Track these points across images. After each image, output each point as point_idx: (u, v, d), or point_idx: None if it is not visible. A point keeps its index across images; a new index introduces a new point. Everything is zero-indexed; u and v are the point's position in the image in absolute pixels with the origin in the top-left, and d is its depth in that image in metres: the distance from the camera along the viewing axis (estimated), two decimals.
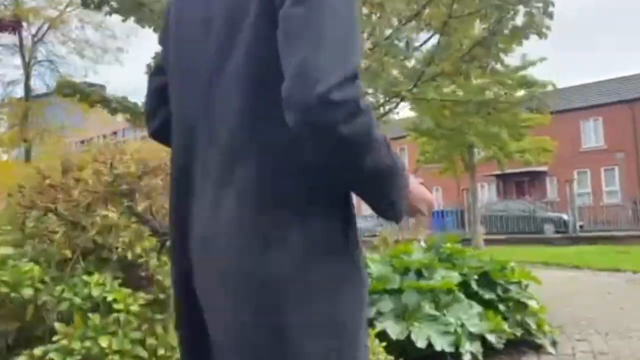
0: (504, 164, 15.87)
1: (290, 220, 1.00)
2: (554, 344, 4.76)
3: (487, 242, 17.22)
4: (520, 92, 14.90)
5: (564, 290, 7.98)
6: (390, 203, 1.04)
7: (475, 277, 4.54)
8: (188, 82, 1.14)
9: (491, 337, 4.05)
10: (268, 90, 0.99)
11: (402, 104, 8.54)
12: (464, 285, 4.40)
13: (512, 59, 16.95)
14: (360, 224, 1.28)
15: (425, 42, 8.16)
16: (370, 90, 8.13)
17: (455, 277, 4.35)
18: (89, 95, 8.72)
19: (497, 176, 30.86)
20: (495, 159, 16.00)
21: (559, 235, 20.31)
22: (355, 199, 1.10)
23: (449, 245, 5.08)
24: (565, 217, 22.21)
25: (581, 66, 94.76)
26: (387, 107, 8.66)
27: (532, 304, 4.60)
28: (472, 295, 4.37)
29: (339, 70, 0.90)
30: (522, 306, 4.56)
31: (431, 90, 7.92)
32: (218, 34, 1.07)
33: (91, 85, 9.76)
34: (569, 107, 30.40)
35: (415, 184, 1.13)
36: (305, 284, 0.99)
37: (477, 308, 4.23)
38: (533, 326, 4.48)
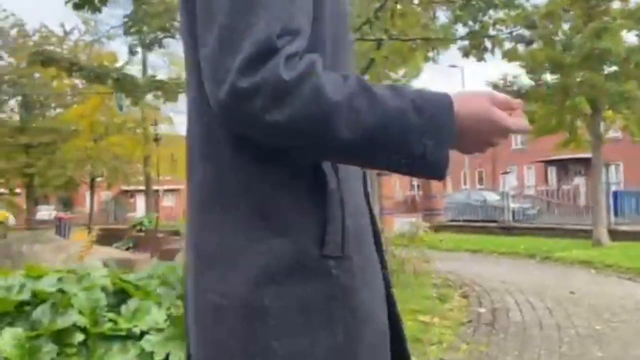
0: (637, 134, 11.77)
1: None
2: None
3: (623, 235, 13.26)
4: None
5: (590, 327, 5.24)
6: (410, 157, 0.78)
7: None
8: None
9: None
10: None
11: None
12: None
13: None
14: None
15: None
16: None
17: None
18: (60, 62, 8.26)
19: None
20: (628, 130, 11.98)
21: None
22: None
23: None
24: None
25: None
26: None
27: None
28: None
29: (239, 54, 0.73)
30: None
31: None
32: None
33: None
34: None
35: (473, 103, 0.82)
36: (260, 312, 0.79)
37: None
38: None
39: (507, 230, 16.63)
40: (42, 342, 2.46)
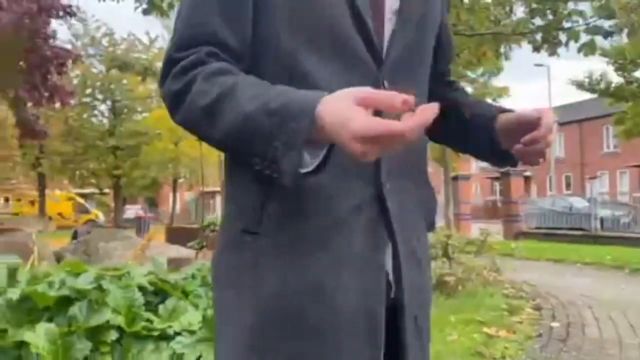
0: None
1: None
2: None
3: None
4: None
5: None
6: (265, 160, 0.80)
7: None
8: None
9: None
10: None
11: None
12: None
13: None
14: None
15: None
16: None
17: None
18: (134, 67, 8.63)
19: None
20: None
21: None
22: None
23: None
24: None
25: None
26: None
27: None
28: None
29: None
30: None
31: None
32: None
33: None
34: None
35: (336, 101, 0.74)
36: (214, 274, 1.01)
37: None
38: None
39: (594, 239, 15.57)
40: (75, 339, 2.47)
